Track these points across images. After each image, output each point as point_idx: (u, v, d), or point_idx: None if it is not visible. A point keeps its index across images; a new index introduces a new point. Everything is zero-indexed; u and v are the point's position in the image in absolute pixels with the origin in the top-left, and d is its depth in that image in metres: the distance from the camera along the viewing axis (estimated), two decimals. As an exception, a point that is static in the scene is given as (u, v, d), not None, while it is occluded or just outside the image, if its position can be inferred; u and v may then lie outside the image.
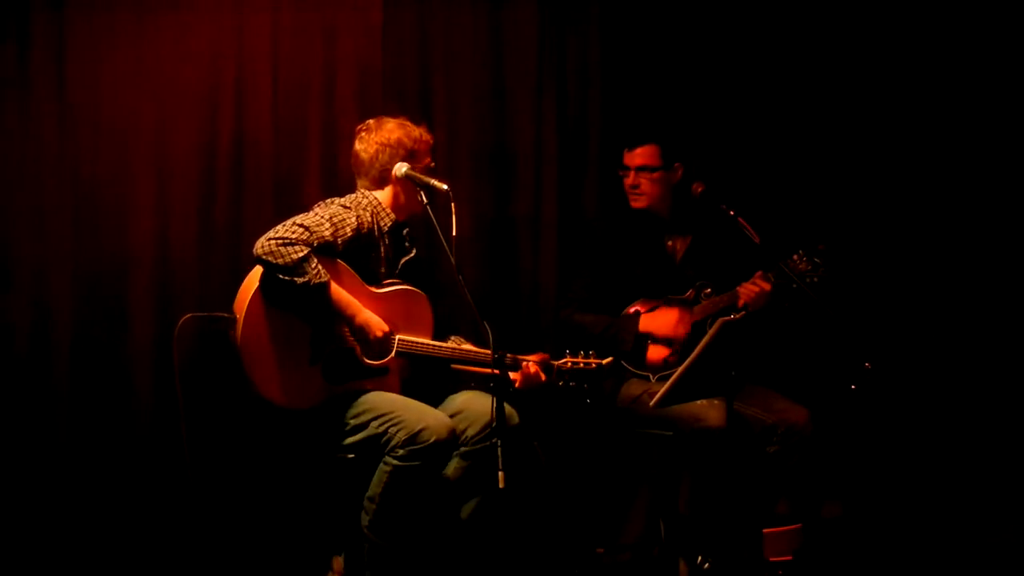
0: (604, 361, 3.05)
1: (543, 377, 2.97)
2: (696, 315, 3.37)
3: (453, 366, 2.98)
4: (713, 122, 3.94)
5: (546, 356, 3.02)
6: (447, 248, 2.73)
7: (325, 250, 2.79)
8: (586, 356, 3.04)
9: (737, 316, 3.06)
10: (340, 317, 2.82)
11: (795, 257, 3.32)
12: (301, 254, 2.70)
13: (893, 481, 3.77)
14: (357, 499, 2.83)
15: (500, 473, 2.54)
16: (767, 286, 3.30)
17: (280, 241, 2.70)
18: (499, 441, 2.55)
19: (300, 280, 2.71)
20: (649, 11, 3.91)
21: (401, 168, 2.95)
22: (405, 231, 3.06)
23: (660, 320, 3.35)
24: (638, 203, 3.45)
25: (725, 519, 3.18)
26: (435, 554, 2.96)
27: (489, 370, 2.64)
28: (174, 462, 3.17)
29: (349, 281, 2.86)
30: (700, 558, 3.15)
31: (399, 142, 2.94)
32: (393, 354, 2.89)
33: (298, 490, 3.11)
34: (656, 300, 3.40)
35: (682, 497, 3.34)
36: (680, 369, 2.92)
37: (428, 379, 3.00)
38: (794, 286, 3.24)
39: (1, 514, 3.14)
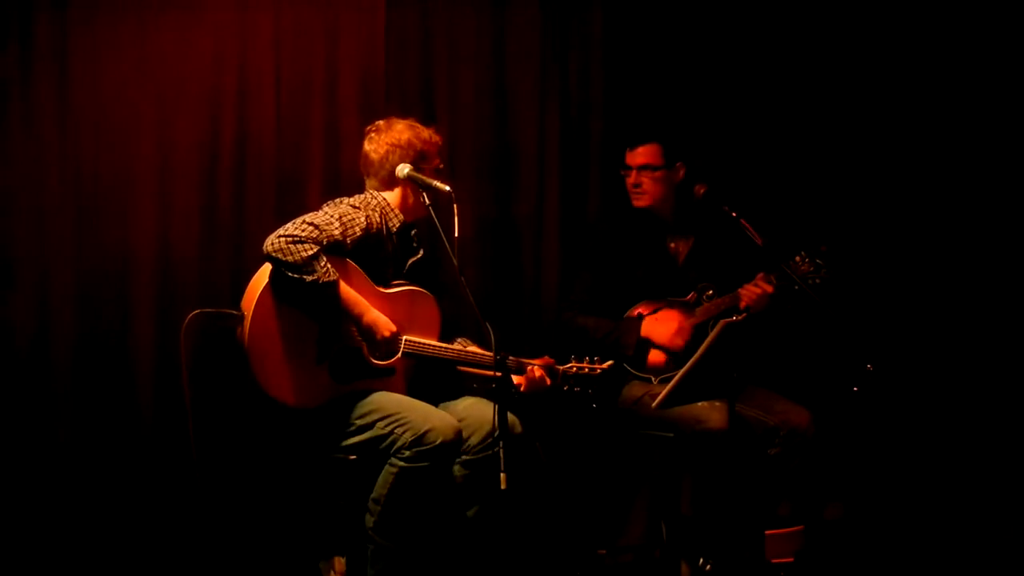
0: (605, 364, 3.05)
1: (547, 382, 2.98)
2: (698, 317, 3.37)
3: (459, 368, 2.98)
4: (715, 122, 3.93)
5: (551, 361, 3.02)
6: (449, 249, 2.72)
7: (335, 249, 2.79)
8: (591, 361, 3.05)
9: (739, 318, 3.05)
10: (348, 316, 2.82)
11: (797, 258, 3.31)
12: (311, 252, 2.70)
13: (895, 483, 3.77)
14: (361, 500, 2.83)
15: (502, 475, 2.54)
16: (769, 288, 3.29)
17: (290, 239, 2.70)
18: (502, 443, 2.55)
19: (309, 278, 2.70)
20: (652, 11, 3.91)
21: (403, 169, 2.95)
22: (413, 232, 3.06)
23: (661, 328, 3.34)
24: (640, 202, 3.45)
25: (727, 521, 3.17)
26: (439, 556, 2.96)
27: (494, 372, 2.64)
28: (177, 461, 3.17)
29: (358, 280, 2.86)
30: (702, 560, 3.15)
31: (409, 143, 2.95)
32: (400, 355, 2.89)
33: (302, 490, 3.11)
34: (658, 302, 3.40)
35: (684, 498, 3.35)
36: (682, 371, 2.92)
37: (432, 380, 3.00)
38: (796, 288, 3.24)
39: (3, 513, 3.14)
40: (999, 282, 3.84)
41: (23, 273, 3.19)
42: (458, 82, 3.68)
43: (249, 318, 2.75)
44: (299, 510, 3.14)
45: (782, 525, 3.30)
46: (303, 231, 2.72)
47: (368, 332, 2.84)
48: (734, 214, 3.23)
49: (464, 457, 2.86)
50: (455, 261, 2.70)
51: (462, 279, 2.70)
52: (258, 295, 2.77)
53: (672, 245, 3.49)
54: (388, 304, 2.90)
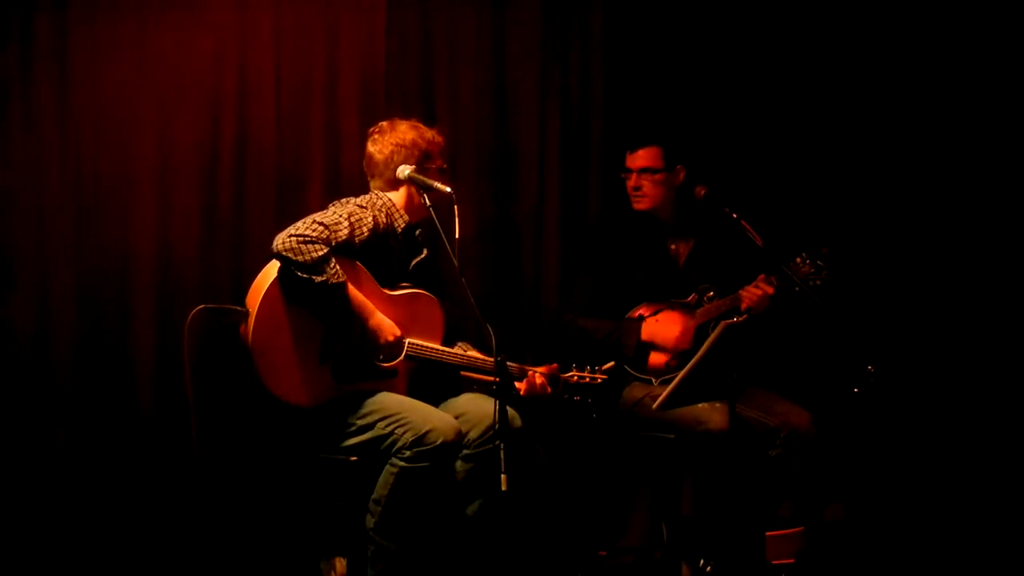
0: (607, 366, 3.05)
1: (548, 390, 2.99)
2: (699, 319, 3.37)
3: (461, 372, 2.99)
4: (716, 124, 3.93)
5: (555, 367, 3.03)
6: (450, 250, 2.72)
7: (343, 250, 2.79)
8: (592, 370, 3.05)
9: (740, 319, 3.06)
10: (353, 318, 2.82)
11: (798, 260, 3.31)
12: (321, 253, 2.70)
13: (895, 484, 3.77)
14: (361, 500, 2.83)
15: (503, 476, 2.52)
16: (770, 289, 3.29)
17: (301, 239, 2.70)
18: (502, 444, 2.54)
19: (318, 279, 2.71)
20: (653, 12, 3.91)
21: (404, 170, 2.95)
22: (417, 232, 3.06)
23: (663, 331, 3.34)
24: (640, 205, 3.45)
25: (727, 522, 3.17)
26: (440, 556, 2.95)
27: (494, 378, 2.64)
28: (178, 460, 3.17)
29: (364, 282, 2.87)
30: (702, 561, 3.15)
31: (413, 143, 2.95)
32: (403, 357, 2.89)
33: (303, 490, 3.09)
34: (659, 304, 3.39)
35: (684, 500, 3.35)
36: (682, 372, 2.92)
37: (433, 381, 3.00)
38: (797, 289, 3.23)
39: (5, 513, 3.14)
40: (1000, 283, 3.84)
41: (23, 273, 3.19)
42: (458, 82, 3.68)
43: (254, 315, 2.75)
44: (300, 510, 3.13)
45: (783, 526, 3.28)
46: (314, 231, 2.72)
47: (372, 335, 2.84)
48: (735, 215, 3.23)
49: (464, 451, 2.86)
50: (456, 262, 2.70)
51: (463, 280, 2.70)
52: (263, 293, 2.77)
53: (673, 247, 3.48)
54: (393, 306, 2.91)
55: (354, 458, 2.83)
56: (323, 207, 2.96)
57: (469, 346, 3.06)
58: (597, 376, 3.04)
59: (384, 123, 3.01)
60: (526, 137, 3.77)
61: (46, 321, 3.21)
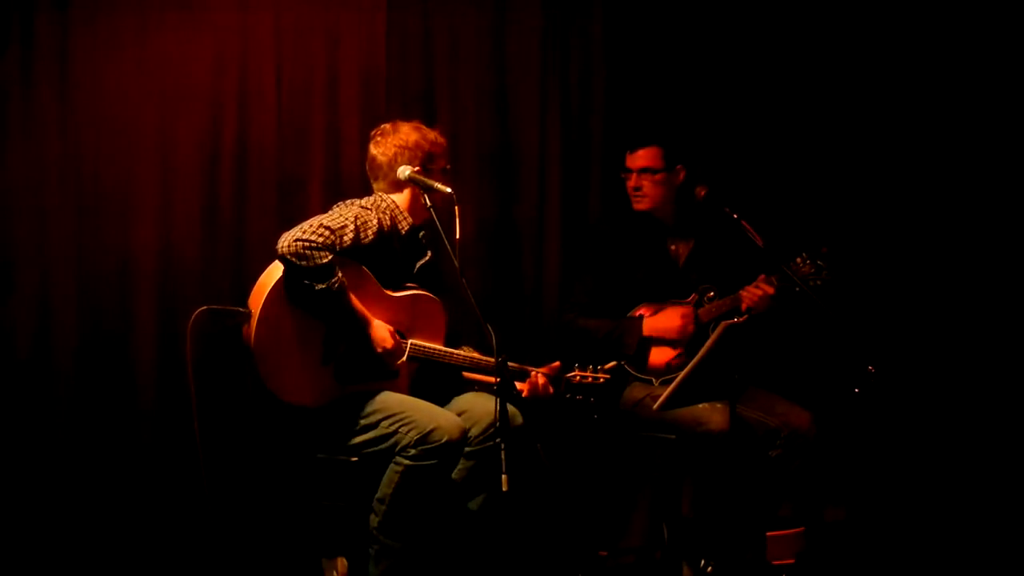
0: (608, 366, 3.05)
1: (551, 390, 2.98)
2: (700, 318, 3.35)
3: (464, 373, 2.99)
4: (716, 124, 3.92)
5: (557, 365, 3.01)
6: (450, 251, 2.72)
7: (348, 252, 2.79)
8: (595, 370, 3.04)
9: (740, 319, 3.05)
10: (352, 325, 2.82)
11: (798, 260, 3.31)
12: (326, 260, 2.71)
13: (896, 485, 3.76)
14: (364, 500, 2.82)
15: (503, 476, 2.52)
16: (770, 289, 3.28)
17: (307, 244, 2.70)
18: (502, 444, 2.54)
19: (320, 286, 2.71)
20: (653, 12, 3.90)
21: (405, 171, 2.94)
22: (421, 234, 3.06)
23: (665, 322, 3.34)
24: (640, 205, 3.44)
25: (728, 522, 3.16)
26: (442, 556, 2.95)
27: (496, 379, 2.64)
28: (180, 461, 3.17)
29: (368, 286, 2.87)
30: (703, 561, 3.14)
31: (417, 145, 2.95)
32: (405, 358, 2.89)
33: (305, 490, 3.08)
34: (659, 304, 3.38)
35: (685, 500, 3.34)
36: (683, 372, 2.91)
37: (435, 382, 3.00)
38: (797, 289, 3.23)
39: (5, 516, 3.13)
40: (1001, 283, 3.84)
41: (24, 275, 3.19)
42: (459, 83, 3.67)
43: (256, 317, 2.75)
44: (302, 510, 3.13)
45: (783, 527, 3.30)
46: (320, 236, 2.71)
47: (369, 346, 2.85)
48: (735, 216, 3.22)
49: (466, 448, 2.86)
50: (456, 263, 2.70)
51: (463, 280, 2.69)
52: (266, 294, 2.77)
53: (673, 247, 3.48)
54: (395, 308, 2.91)
55: (355, 459, 2.83)
56: (324, 208, 2.95)
57: (471, 349, 3.06)
58: (600, 376, 3.04)
59: (387, 125, 3.01)
60: (527, 137, 3.76)
61: (47, 323, 3.20)
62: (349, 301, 2.79)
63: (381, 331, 2.84)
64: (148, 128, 3.29)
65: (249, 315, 2.78)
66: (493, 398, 2.63)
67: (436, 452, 2.75)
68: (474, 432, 2.89)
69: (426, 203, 2.91)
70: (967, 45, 3.88)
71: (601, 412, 3.10)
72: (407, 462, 2.77)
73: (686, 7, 3.93)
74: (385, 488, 2.79)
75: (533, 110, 3.76)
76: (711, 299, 3.37)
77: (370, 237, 2.84)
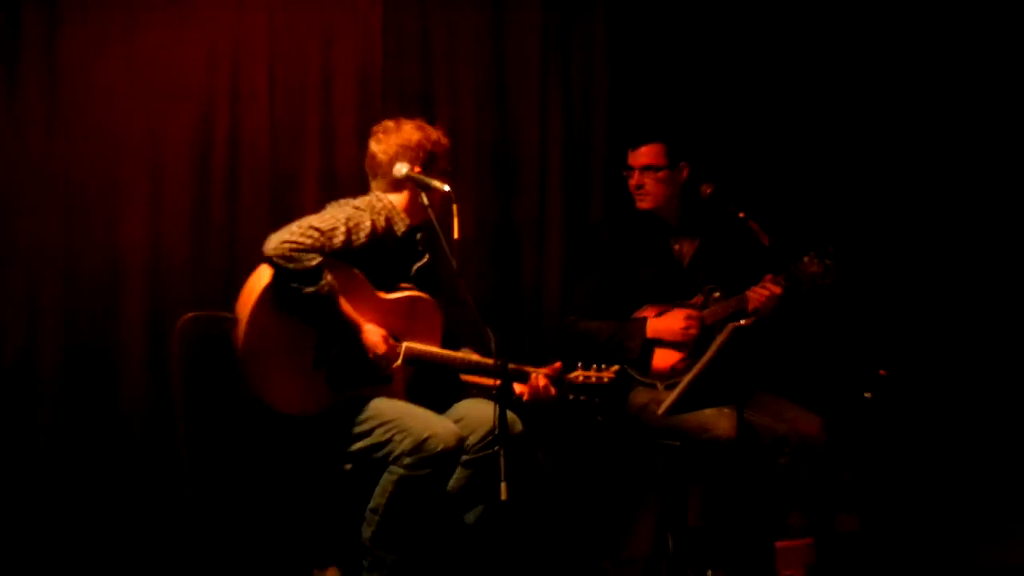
0: (611, 371, 3.00)
1: (552, 391, 2.93)
2: (705, 320, 3.32)
3: (462, 376, 2.95)
4: (720, 120, 3.88)
5: (559, 366, 2.96)
6: (448, 251, 2.68)
7: (340, 255, 2.76)
8: (598, 368, 2.99)
9: (747, 321, 3.02)
10: (342, 330, 2.78)
11: (806, 259, 3.27)
12: (315, 262, 2.68)
13: (910, 493, 3.73)
14: (356, 510, 2.79)
15: (502, 484, 2.46)
16: (777, 290, 3.25)
17: (295, 246, 2.67)
18: (501, 450, 2.48)
19: (308, 290, 2.68)
20: (655, 7, 3.88)
21: (402, 169, 2.91)
22: (418, 235, 3.03)
23: (669, 324, 3.29)
24: (643, 204, 3.40)
25: (736, 532, 3.13)
26: (437, 568, 2.92)
27: (495, 381, 2.60)
28: (166, 468, 3.14)
29: (360, 288, 2.83)
30: (710, 573, 3.10)
31: (419, 144, 2.91)
32: (400, 362, 2.85)
33: (296, 499, 3.07)
34: (663, 305, 3.34)
35: (691, 509, 3.31)
36: (688, 377, 2.84)
37: (433, 387, 2.96)
38: (805, 289, 3.20)
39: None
40: (1019, 282, 3.78)
41: (9, 277, 3.16)
42: (457, 81, 3.65)
43: (245, 322, 2.71)
44: (294, 520, 3.11)
45: (793, 537, 3.26)
46: (309, 238, 2.68)
47: (362, 350, 2.81)
48: (741, 214, 3.19)
49: (464, 457, 2.82)
50: (454, 263, 2.66)
51: (461, 282, 2.67)
52: (255, 299, 2.73)
53: (677, 247, 3.44)
54: (389, 310, 2.87)
55: (348, 466, 2.79)
56: (317, 209, 2.91)
57: (471, 351, 3.01)
58: (603, 375, 2.98)
59: (389, 122, 2.97)
60: (527, 135, 3.74)
61: (33, 327, 3.17)
62: (339, 305, 2.76)
63: (373, 335, 2.80)
64: (137, 126, 3.26)
65: (236, 321, 2.74)
66: (492, 404, 2.59)
67: (431, 461, 2.71)
68: (472, 440, 2.85)
69: (424, 202, 2.88)
70: (978, 39, 3.85)
71: (605, 413, 3.04)
72: (401, 471, 2.72)
73: (690, 1, 3.92)
74: (379, 498, 2.75)
75: (534, 107, 3.74)
76: (716, 300, 3.33)
77: (362, 239, 2.81)
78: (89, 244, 3.21)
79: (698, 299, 3.35)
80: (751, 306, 3.25)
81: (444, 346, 2.94)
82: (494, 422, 2.53)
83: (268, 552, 3.18)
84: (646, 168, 3.37)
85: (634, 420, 3.28)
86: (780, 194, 3.82)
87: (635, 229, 3.44)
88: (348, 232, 2.77)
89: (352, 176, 3.23)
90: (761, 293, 3.25)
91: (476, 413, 2.88)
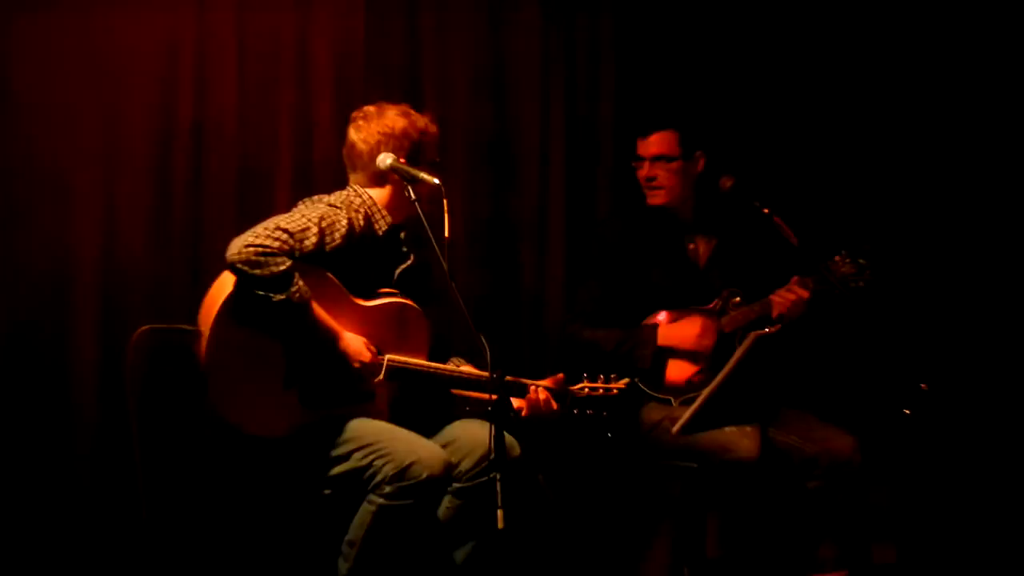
0: (621, 383, 2.89)
1: (554, 406, 2.83)
2: (724, 328, 3.20)
3: (452, 391, 2.83)
4: (739, 105, 3.78)
5: (561, 377, 2.86)
6: (438, 251, 2.55)
7: (310, 258, 2.63)
8: (606, 379, 2.89)
9: (772, 329, 2.88)
10: (318, 341, 2.65)
11: (837, 259, 3.15)
12: (283, 267, 2.54)
13: (953, 521, 3.59)
14: (332, 541, 2.67)
15: (499, 511, 2.31)
16: (805, 293, 3.13)
17: (260, 249, 2.52)
18: (498, 476, 2.33)
19: (278, 297, 2.54)
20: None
21: (386, 159, 2.76)
22: (402, 234, 2.92)
23: (682, 331, 3.20)
24: (655, 199, 3.30)
25: (759, 565, 3.09)
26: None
27: (490, 395, 2.46)
28: (120, 497, 2.98)
29: (335, 294, 2.70)
30: (730, 609, 3.06)
31: (404, 133, 2.78)
32: (382, 376, 2.71)
33: (265, 529, 2.91)
34: (677, 311, 3.24)
35: (709, 538, 3.24)
36: (706, 391, 2.69)
37: (420, 405, 2.85)
38: (837, 293, 3.11)
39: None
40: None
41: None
42: (449, 64, 3.55)
43: (207, 336, 2.58)
44: (262, 552, 2.91)
45: (824, 570, 3.10)
46: (275, 240, 2.54)
47: (342, 360, 2.67)
48: (766, 210, 3.08)
49: (455, 485, 2.70)
50: (445, 265, 2.54)
51: (452, 285, 2.52)
52: (217, 309, 2.59)
53: (692, 246, 3.34)
54: (369, 319, 2.74)
55: (327, 491, 2.66)
56: (291, 205, 2.78)
57: (463, 361, 2.91)
58: (612, 386, 2.88)
59: (370, 107, 2.83)
60: (526, 123, 3.65)
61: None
62: (313, 313, 2.62)
63: (355, 343, 2.66)
64: (89, 110, 3.09)
65: (198, 334, 2.61)
66: (486, 426, 2.45)
67: (414, 490, 2.57)
68: (465, 466, 2.71)
69: (410, 196, 2.71)
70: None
71: (615, 429, 2.96)
72: (380, 500, 2.58)
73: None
74: (356, 530, 2.61)
75: (534, 91, 3.65)
76: (736, 305, 3.22)
77: (337, 241, 2.67)
78: (34, 241, 3.05)
79: (716, 304, 3.24)
80: (776, 312, 3.14)
81: (432, 358, 2.81)
82: (489, 445, 2.38)
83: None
84: (657, 158, 3.25)
85: (646, 439, 3.17)
86: (808, 186, 3.72)
87: (646, 226, 3.33)
88: (321, 233, 2.63)
89: (330, 168, 3.11)
90: (787, 297, 3.12)
91: (468, 435, 2.75)
